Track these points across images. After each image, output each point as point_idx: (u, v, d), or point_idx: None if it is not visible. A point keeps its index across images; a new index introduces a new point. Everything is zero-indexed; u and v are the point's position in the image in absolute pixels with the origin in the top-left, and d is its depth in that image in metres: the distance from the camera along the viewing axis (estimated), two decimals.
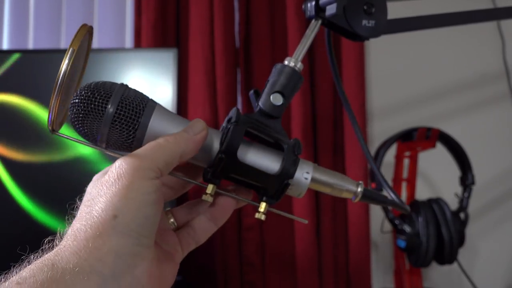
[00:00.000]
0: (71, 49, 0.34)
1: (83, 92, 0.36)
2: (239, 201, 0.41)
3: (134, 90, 0.38)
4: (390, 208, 0.98)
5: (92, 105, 0.36)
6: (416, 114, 1.24)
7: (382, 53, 1.25)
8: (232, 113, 0.39)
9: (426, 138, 1.00)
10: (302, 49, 0.44)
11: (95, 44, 1.18)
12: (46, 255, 0.31)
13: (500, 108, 1.26)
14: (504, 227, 1.25)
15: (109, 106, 0.36)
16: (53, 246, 0.33)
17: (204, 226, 0.41)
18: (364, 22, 0.47)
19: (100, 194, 0.33)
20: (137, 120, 0.36)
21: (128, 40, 1.21)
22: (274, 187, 0.38)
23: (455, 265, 0.99)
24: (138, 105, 0.37)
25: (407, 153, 1.06)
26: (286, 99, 0.41)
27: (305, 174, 0.39)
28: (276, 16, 1.16)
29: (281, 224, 1.11)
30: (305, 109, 1.10)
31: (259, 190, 0.40)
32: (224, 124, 0.40)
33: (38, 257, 0.32)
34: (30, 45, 1.21)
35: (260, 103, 0.40)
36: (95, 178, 0.36)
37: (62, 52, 0.36)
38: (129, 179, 0.33)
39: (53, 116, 0.35)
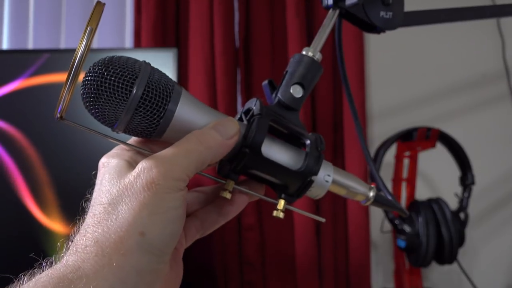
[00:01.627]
0: (89, 28, 0.31)
1: (100, 69, 0.31)
2: (251, 196, 0.39)
3: (158, 71, 0.34)
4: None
5: (113, 87, 0.31)
6: (416, 114, 1.24)
7: (382, 53, 1.25)
8: (252, 104, 0.37)
9: (426, 138, 1.00)
10: (320, 39, 0.42)
11: (95, 44, 1.18)
12: (63, 268, 0.28)
13: (500, 108, 1.26)
14: (504, 227, 1.24)
15: (135, 88, 0.31)
16: (67, 247, 0.31)
17: (212, 218, 0.39)
18: (382, 13, 0.47)
19: (124, 200, 0.30)
20: (163, 107, 0.32)
21: (128, 40, 1.21)
22: (296, 184, 0.36)
23: (455, 265, 0.99)
24: (165, 89, 0.33)
25: (407, 153, 1.06)
26: (306, 90, 0.38)
27: (326, 176, 0.38)
28: (276, 16, 1.16)
29: (281, 224, 1.11)
30: (305, 110, 1.10)
31: (278, 187, 0.38)
32: (239, 115, 0.38)
33: (52, 264, 0.30)
34: (30, 45, 1.21)
35: (279, 95, 0.38)
36: (110, 170, 0.32)
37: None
38: (159, 190, 0.30)
39: (65, 103, 0.30)
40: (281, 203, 0.37)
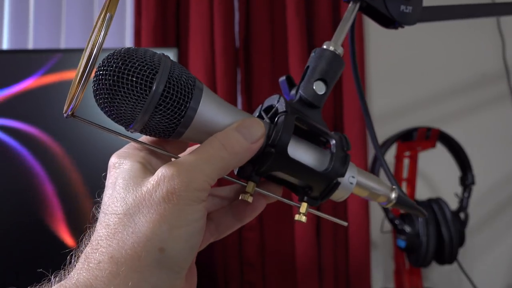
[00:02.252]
0: (108, 14, 0.27)
1: (117, 63, 0.28)
2: (269, 198, 0.36)
3: (178, 64, 0.31)
4: (390, 208, 0.98)
5: (131, 83, 0.28)
6: (416, 114, 1.24)
7: (382, 53, 1.25)
8: (274, 101, 0.35)
9: (426, 138, 1.00)
10: (341, 32, 0.40)
11: None
12: (73, 287, 0.26)
13: (500, 108, 1.26)
14: (504, 227, 1.24)
15: (155, 85, 0.28)
16: (76, 259, 0.29)
17: (228, 222, 0.36)
18: (402, 7, 0.45)
19: (141, 211, 0.27)
20: (185, 105, 0.29)
21: (128, 40, 1.21)
22: (322, 186, 0.34)
23: (455, 265, 0.99)
24: (186, 85, 0.30)
25: (407, 153, 1.06)
26: (329, 87, 0.36)
27: (350, 178, 0.36)
28: (276, 16, 1.16)
29: (281, 224, 1.11)
30: None
31: (299, 190, 0.35)
32: (257, 113, 0.36)
33: (61, 277, 0.28)
34: (30, 45, 1.21)
35: (300, 91, 0.36)
36: (124, 173, 0.29)
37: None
38: (180, 202, 0.27)
39: (78, 99, 0.27)
40: (304, 206, 0.35)
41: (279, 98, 0.34)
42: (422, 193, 1.10)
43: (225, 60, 1.09)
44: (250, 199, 0.33)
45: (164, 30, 1.13)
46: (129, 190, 0.28)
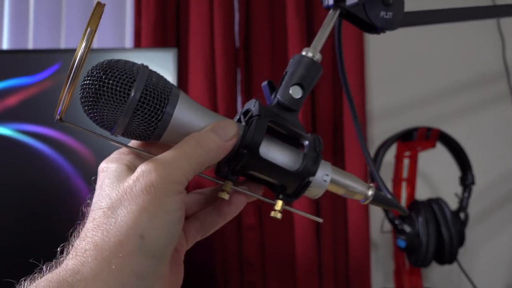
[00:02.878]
0: (89, 29, 0.31)
1: (98, 73, 0.31)
2: (250, 196, 0.39)
3: (156, 73, 0.34)
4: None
5: (111, 90, 0.31)
6: (416, 114, 1.24)
7: (382, 54, 1.25)
8: (251, 105, 0.37)
9: (426, 138, 1.00)
10: (320, 39, 0.42)
11: (95, 44, 1.18)
12: (62, 272, 0.28)
13: (500, 108, 1.26)
14: (504, 227, 1.25)
15: (133, 92, 0.31)
16: (67, 252, 0.31)
17: (211, 219, 0.39)
18: (382, 13, 0.47)
19: (123, 203, 0.30)
20: (161, 110, 0.32)
21: (128, 40, 1.21)
22: (295, 185, 0.36)
23: (455, 265, 0.99)
24: (163, 92, 0.33)
25: (407, 153, 1.06)
26: (305, 91, 0.38)
27: (324, 176, 0.38)
28: (276, 16, 1.16)
29: (281, 224, 1.11)
30: (305, 110, 1.10)
31: (276, 188, 0.38)
32: (238, 116, 0.38)
33: (52, 269, 0.30)
34: (30, 45, 1.21)
35: (278, 95, 0.38)
36: (110, 174, 0.33)
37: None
38: (159, 193, 0.30)
39: (64, 105, 0.31)
40: (279, 204, 0.37)
41: (255, 102, 0.36)
42: (422, 193, 1.10)
43: (225, 60, 1.09)
44: (226, 197, 0.36)
45: (164, 30, 1.13)
46: (113, 187, 0.31)
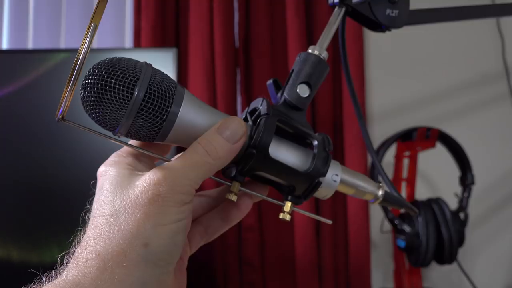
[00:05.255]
0: (92, 24, 0.29)
1: (100, 72, 0.30)
2: (255, 198, 0.38)
3: (160, 72, 0.32)
4: (389, 207, 0.98)
5: (113, 90, 0.30)
6: (416, 114, 1.24)
7: (382, 53, 1.25)
8: (258, 103, 0.36)
9: (426, 138, 1.00)
10: (326, 37, 0.41)
11: (95, 44, 1.18)
12: (62, 284, 0.27)
13: (500, 108, 1.26)
14: (504, 227, 1.24)
15: (136, 91, 0.30)
16: (67, 260, 0.30)
17: (215, 224, 0.38)
18: (388, 11, 0.46)
19: (127, 211, 0.29)
20: (166, 110, 0.31)
21: (128, 40, 1.21)
22: (304, 185, 0.35)
23: (455, 265, 0.99)
24: (167, 91, 0.31)
25: (407, 153, 1.06)
26: (313, 90, 0.38)
27: (334, 176, 0.37)
28: (275, 16, 1.16)
29: (281, 224, 1.11)
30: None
31: (284, 189, 0.37)
32: (244, 115, 0.37)
33: (52, 278, 0.29)
34: (30, 45, 1.21)
35: (285, 94, 0.37)
36: (111, 179, 0.31)
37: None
38: (166, 203, 0.29)
39: (67, 103, 0.29)
40: (288, 205, 0.36)
41: (262, 101, 0.35)
42: (422, 193, 1.10)
43: (225, 60, 1.10)
44: (234, 198, 0.34)
45: (163, 30, 1.13)
46: (117, 194, 0.30)
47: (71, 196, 0.92)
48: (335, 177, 0.37)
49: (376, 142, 1.08)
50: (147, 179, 0.30)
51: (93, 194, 0.32)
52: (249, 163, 0.33)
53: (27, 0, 1.22)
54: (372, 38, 1.22)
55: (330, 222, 0.39)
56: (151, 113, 0.31)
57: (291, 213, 0.36)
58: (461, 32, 1.24)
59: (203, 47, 1.10)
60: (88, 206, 0.32)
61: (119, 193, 0.30)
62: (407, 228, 0.96)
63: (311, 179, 0.35)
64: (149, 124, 0.31)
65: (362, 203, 1.09)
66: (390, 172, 1.06)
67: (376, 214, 1.15)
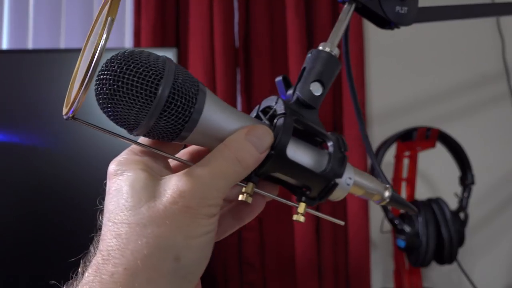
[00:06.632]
0: (109, 18, 0.27)
1: (120, 67, 0.28)
2: (267, 197, 0.36)
3: (180, 67, 0.30)
4: (389, 207, 0.98)
5: (135, 88, 0.27)
6: (416, 114, 1.23)
7: (381, 54, 1.25)
8: (271, 102, 0.35)
9: (426, 138, 1.00)
10: (337, 33, 0.41)
11: None
12: None
13: (500, 108, 1.26)
14: (504, 227, 1.24)
15: (160, 90, 0.28)
16: (84, 268, 0.29)
17: (226, 223, 0.36)
18: (398, 8, 0.46)
19: (155, 222, 0.27)
20: (190, 110, 0.29)
21: (128, 39, 1.21)
22: (320, 187, 0.34)
23: (455, 265, 0.99)
24: (191, 89, 0.29)
25: (407, 153, 1.06)
26: (325, 88, 0.37)
27: (347, 178, 0.36)
28: (275, 16, 1.16)
29: (281, 224, 1.11)
30: None
31: (296, 189, 0.36)
32: (255, 113, 0.36)
33: None
34: (30, 45, 1.21)
35: (298, 92, 0.36)
36: (131, 181, 0.29)
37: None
38: (196, 215, 0.28)
39: (79, 103, 0.27)
40: (302, 207, 0.35)
41: (277, 99, 0.34)
42: (422, 193, 1.10)
43: (225, 60, 1.10)
44: (249, 200, 0.33)
45: (163, 30, 1.13)
46: (140, 200, 0.28)
47: (78, 194, 0.92)
48: (349, 180, 0.36)
49: (376, 142, 1.08)
50: (174, 188, 0.28)
51: (104, 193, 0.31)
52: (267, 165, 0.32)
53: (27, 0, 1.22)
54: (372, 38, 1.22)
55: (342, 223, 0.38)
56: (174, 114, 0.29)
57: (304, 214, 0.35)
58: (461, 32, 1.24)
59: (203, 47, 1.11)
60: (101, 206, 0.30)
61: (144, 200, 0.28)
62: (407, 228, 0.96)
63: (328, 180, 0.34)
64: (171, 125, 0.29)
65: (362, 203, 1.09)
66: (390, 172, 1.06)
67: (376, 214, 1.15)
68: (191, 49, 1.13)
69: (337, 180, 0.35)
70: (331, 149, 0.35)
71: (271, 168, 0.33)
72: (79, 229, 0.86)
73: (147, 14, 1.11)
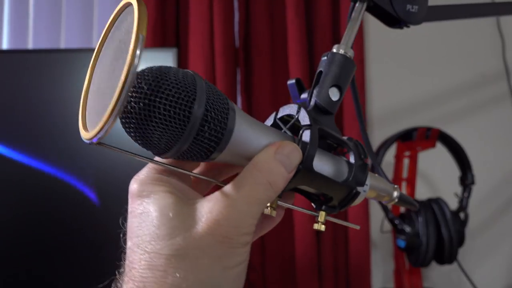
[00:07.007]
0: (141, 36, 0.24)
1: (150, 86, 0.26)
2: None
3: (210, 85, 0.29)
4: (389, 207, 0.98)
5: (168, 113, 0.25)
6: (416, 115, 1.24)
7: (382, 53, 1.25)
8: (291, 110, 0.34)
9: (426, 138, 1.00)
10: (350, 34, 0.40)
11: (94, 44, 1.18)
12: None
13: (500, 108, 1.26)
14: (504, 227, 1.24)
15: (193, 112, 0.26)
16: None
17: None
18: (408, 6, 0.45)
19: (193, 253, 0.26)
20: (222, 132, 0.28)
21: None
22: (341, 195, 0.34)
23: (455, 265, 0.99)
24: (222, 109, 0.28)
25: (407, 153, 1.06)
26: (342, 92, 0.36)
27: (365, 186, 0.36)
28: (275, 16, 1.16)
29: (281, 224, 1.10)
30: None
31: (315, 198, 0.36)
32: (272, 121, 0.35)
33: None
34: (30, 45, 1.21)
35: (316, 98, 0.35)
36: (159, 205, 0.28)
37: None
38: (232, 245, 0.27)
39: (108, 130, 0.24)
40: (323, 216, 0.34)
41: (299, 108, 0.33)
42: (422, 193, 1.10)
43: (225, 60, 1.09)
44: (273, 214, 0.32)
45: (163, 30, 1.13)
46: (174, 229, 0.27)
47: (78, 194, 0.92)
48: (366, 186, 0.36)
49: (376, 142, 1.08)
50: (209, 215, 0.27)
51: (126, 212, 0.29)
52: (293, 181, 0.31)
53: (27, 0, 1.22)
54: (372, 38, 1.22)
55: (358, 227, 0.38)
56: (207, 137, 0.27)
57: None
58: (461, 32, 1.24)
59: (203, 47, 1.10)
60: (124, 229, 0.29)
61: (178, 229, 0.27)
62: (407, 228, 0.96)
63: (350, 189, 0.34)
64: (203, 148, 0.28)
65: (362, 203, 1.09)
66: (390, 172, 1.06)
67: (376, 214, 1.15)
68: (191, 49, 1.13)
69: (360, 188, 0.34)
70: (351, 157, 0.35)
71: (298, 182, 0.32)
72: (79, 229, 0.87)
73: (147, 14, 1.11)
